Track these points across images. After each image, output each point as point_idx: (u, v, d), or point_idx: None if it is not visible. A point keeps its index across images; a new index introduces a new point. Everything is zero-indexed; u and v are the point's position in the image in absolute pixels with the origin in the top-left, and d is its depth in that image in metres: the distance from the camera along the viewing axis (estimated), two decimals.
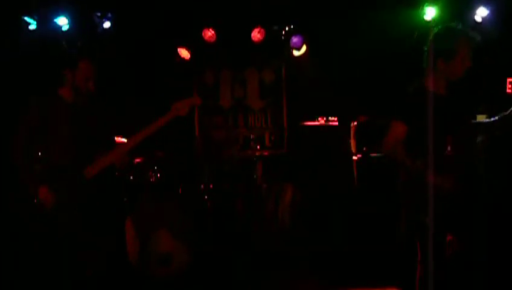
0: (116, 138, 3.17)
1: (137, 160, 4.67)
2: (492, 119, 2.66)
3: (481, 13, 4.74)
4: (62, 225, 2.67)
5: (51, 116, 2.73)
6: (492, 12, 4.72)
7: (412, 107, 2.45)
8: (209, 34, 5.59)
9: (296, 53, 5.75)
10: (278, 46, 5.79)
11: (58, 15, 5.04)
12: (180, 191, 4.76)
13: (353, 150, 5.02)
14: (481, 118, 3.07)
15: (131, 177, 4.58)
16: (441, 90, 2.58)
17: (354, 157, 4.98)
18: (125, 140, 3.07)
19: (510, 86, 4.77)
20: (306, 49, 5.71)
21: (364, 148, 4.90)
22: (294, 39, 5.60)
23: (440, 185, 2.42)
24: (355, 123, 5.09)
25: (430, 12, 4.87)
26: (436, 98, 2.50)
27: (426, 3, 4.84)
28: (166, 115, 2.85)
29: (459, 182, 2.46)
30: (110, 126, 2.97)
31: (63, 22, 5.07)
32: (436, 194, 2.38)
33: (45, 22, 5.00)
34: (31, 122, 2.73)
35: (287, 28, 5.66)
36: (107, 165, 2.78)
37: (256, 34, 5.61)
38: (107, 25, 5.13)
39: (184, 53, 5.78)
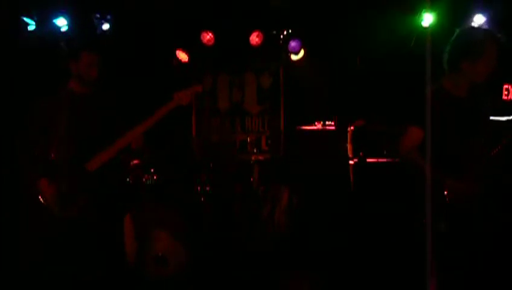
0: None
1: (134, 162, 4.66)
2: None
3: (478, 20, 4.78)
4: (62, 219, 2.65)
5: (58, 109, 2.75)
6: (489, 20, 4.76)
7: (430, 110, 2.28)
8: (207, 37, 5.60)
9: (294, 57, 5.76)
10: (276, 50, 5.80)
11: (57, 16, 5.06)
12: (176, 193, 4.76)
13: (350, 154, 5.04)
14: None
15: (128, 179, 4.57)
16: (461, 92, 2.47)
17: (351, 162, 5.00)
18: None
19: (506, 92, 4.81)
20: (304, 54, 5.73)
21: (360, 153, 4.92)
22: (292, 43, 5.61)
23: (460, 191, 2.35)
24: (352, 128, 5.11)
25: (427, 19, 4.90)
26: (457, 101, 2.43)
27: (424, 10, 4.87)
28: (168, 104, 2.85)
29: (480, 189, 2.36)
30: (116, 119, 2.93)
31: (61, 22, 5.08)
32: (456, 201, 2.32)
33: (44, 22, 5.01)
34: (39, 122, 2.75)
35: (285, 33, 5.67)
36: (109, 158, 2.76)
37: (254, 38, 5.62)
38: (106, 26, 5.14)
39: (182, 56, 5.79)
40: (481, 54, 2.38)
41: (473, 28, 2.47)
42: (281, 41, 5.71)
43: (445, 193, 2.38)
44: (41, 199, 2.65)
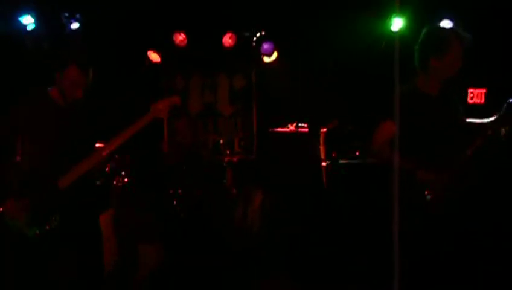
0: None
1: None
2: (486, 119, 2.59)
3: (445, 25, 4.92)
4: (31, 239, 2.51)
5: (36, 117, 2.56)
6: (455, 25, 4.90)
7: (403, 107, 2.33)
8: (180, 38, 5.56)
9: (266, 59, 5.78)
10: (248, 52, 5.81)
11: (22, 13, 4.90)
12: (148, 196, 4.69)
13: (322, 156, 5.08)
14: None
15: (98, 183, 4.47)
16: (433, 90, 2.55)
17: (323, 164, 5.04)
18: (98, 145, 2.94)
19: (471, 96, 4.97)
20: (277, 56, 5.75)
21: (333, 155, 4.97)
22: (265, 46, 5.63)
23: (431, 184, 2.41)
24: (325, 130, 5.16)
25: (397, 24, 5.02)
26: (429, 99, 2.51)
27: (393, 15, 4.98)
28: (145, 116, 2.70)
29: (452, 182, 2.42)
30: (95, 133, 2.77)
31: (27, 20, 4.92)
32: (427, 195, 2.38)
33: (8, 20, 4.84)
34: (11, 125, 2.56)
35: (258, 35, 5.69)
36: (82, 173, 2.59)
37: (227, 40, 5.61)
38: (75, 26, 5.02)
39: (154, 56, 5.72)
40: (447, 49, 2.47)
41: (439, 27, 2.57)
42: (253, 44, 5.71)
43: (417, 185, 2.43)
44: (9, 219, 2.51)
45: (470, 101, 5.01)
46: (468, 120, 2.69)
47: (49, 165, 2.57)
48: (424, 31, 2.58)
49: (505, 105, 2.51)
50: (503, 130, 2.49)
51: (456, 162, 2.47)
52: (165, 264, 3.70)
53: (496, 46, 4.68)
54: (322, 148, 5.13)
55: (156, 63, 5.75)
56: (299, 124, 5.38)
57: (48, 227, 2.53)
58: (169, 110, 2.81)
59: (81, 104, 2.70)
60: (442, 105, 2.54)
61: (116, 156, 4.43)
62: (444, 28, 2.59)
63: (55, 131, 2.59)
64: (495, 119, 2.52)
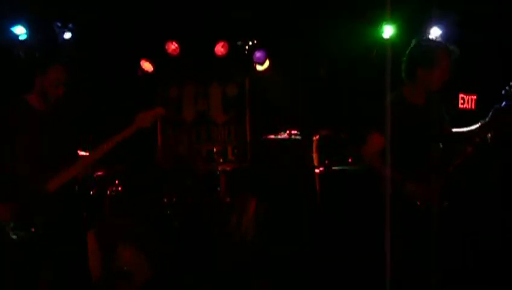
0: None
1: (98, 173, 4.56)
2: (472, 127, 2.64)
3: (434, 33, 5.00)
4: (21, 243, 2.52)
5: (15, 124, 2.59)
6: (444, 33, 4.99)
7: (391, 117, 2.42)
8: (172, 47, 5.58)
9: (259, 68, 5.82)
10: (241, 60, 5.85)
11: (15, 23, 4.91)
12: (142, 204, 4.68)
13: (315, 163, 5.11)
14: None
15: (92, 192, 4.46)
16: (419, 100, 2.60)
17: (316, 170, 5.07)
18: (84, 153, 2.96)
19: (462, 101, 5.03)
20: (269, 64, 5.79)
21: (326, 161, 5.00)
22: (258, 54, 5.67)
23: (419, 194, 2.46)
24: (317, 137, 5.19)
25: (387, 31, 5.08)
26: (415, 108, 2.56)
27: (384, 22, 5.05)
28: (130, 126, 2.76)
29: (438, 192, 2.48)
30: (76, 136, 2.82)
31: (20, 30, 4.93)
32: (416, 203, 2.43)
33: (1, 30, 4.85)
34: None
35: (250, 43, 5.73)
36: (70, 178, 2.65)
37: (219, 48, 5.64)
38: (67, 35, 5.03)
39: (147, 66, 5.74)
40: (435, 63, 2.52)
41: (429, 39, 2.64)
42: (246, 52, 5.75)
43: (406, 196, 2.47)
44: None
45: (460, 106, 5.07)
46: (455, 130, 2.75)
47: (35, 170, 2.60)
48: (413, 42, 2.64)
49: (491, 110, 2.56)
50: (489, 135, 2.54)
51: (445, 171, 2.51)
52: (158, 273, 3.68)
53: (488, 53, 4.75)
54: (315, 155, 5.15)
55: (149, 73, 5.77)
56: (292, 131, 5.40)
57: (34, 230, 2.54)
58: (155, 120, 2.87)
59: (62, 105, 2.74)
60: (428, 114, 2.58)
61: (105, 168, 4.44)
62: (433, 41, 2.64)
63: (36, 136, 2.62)
64: (481, 125, 2.58)
